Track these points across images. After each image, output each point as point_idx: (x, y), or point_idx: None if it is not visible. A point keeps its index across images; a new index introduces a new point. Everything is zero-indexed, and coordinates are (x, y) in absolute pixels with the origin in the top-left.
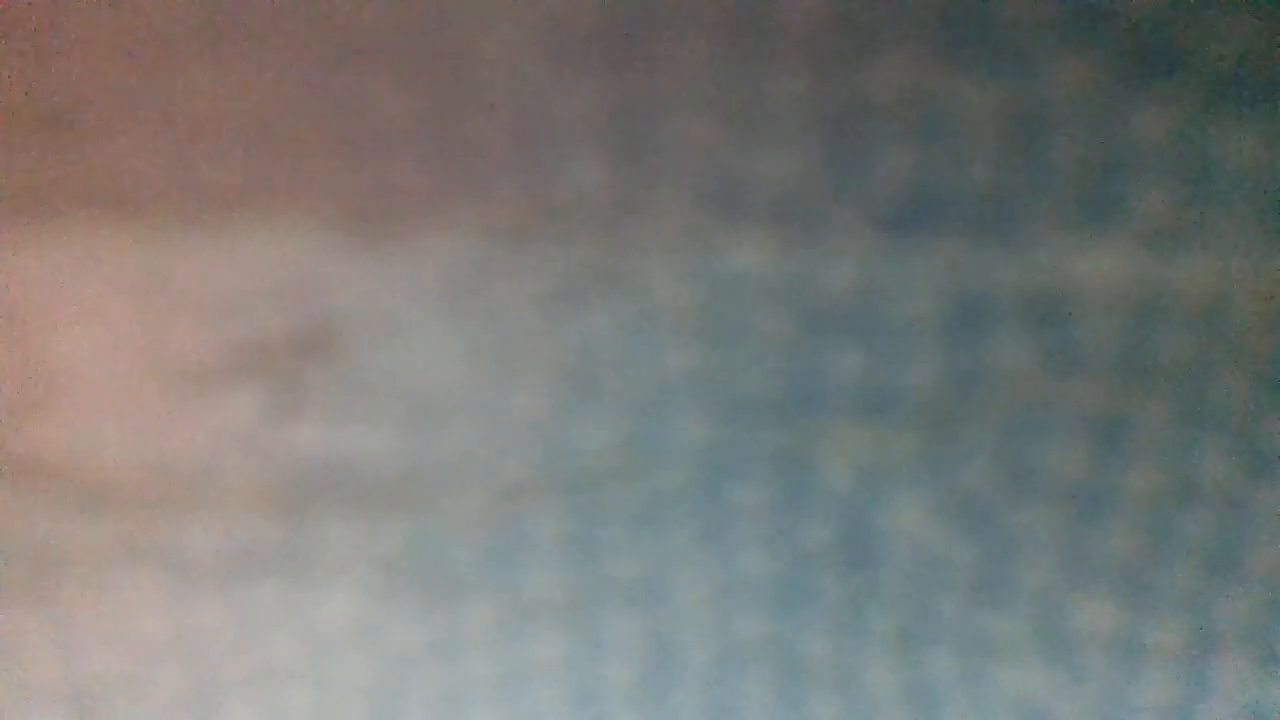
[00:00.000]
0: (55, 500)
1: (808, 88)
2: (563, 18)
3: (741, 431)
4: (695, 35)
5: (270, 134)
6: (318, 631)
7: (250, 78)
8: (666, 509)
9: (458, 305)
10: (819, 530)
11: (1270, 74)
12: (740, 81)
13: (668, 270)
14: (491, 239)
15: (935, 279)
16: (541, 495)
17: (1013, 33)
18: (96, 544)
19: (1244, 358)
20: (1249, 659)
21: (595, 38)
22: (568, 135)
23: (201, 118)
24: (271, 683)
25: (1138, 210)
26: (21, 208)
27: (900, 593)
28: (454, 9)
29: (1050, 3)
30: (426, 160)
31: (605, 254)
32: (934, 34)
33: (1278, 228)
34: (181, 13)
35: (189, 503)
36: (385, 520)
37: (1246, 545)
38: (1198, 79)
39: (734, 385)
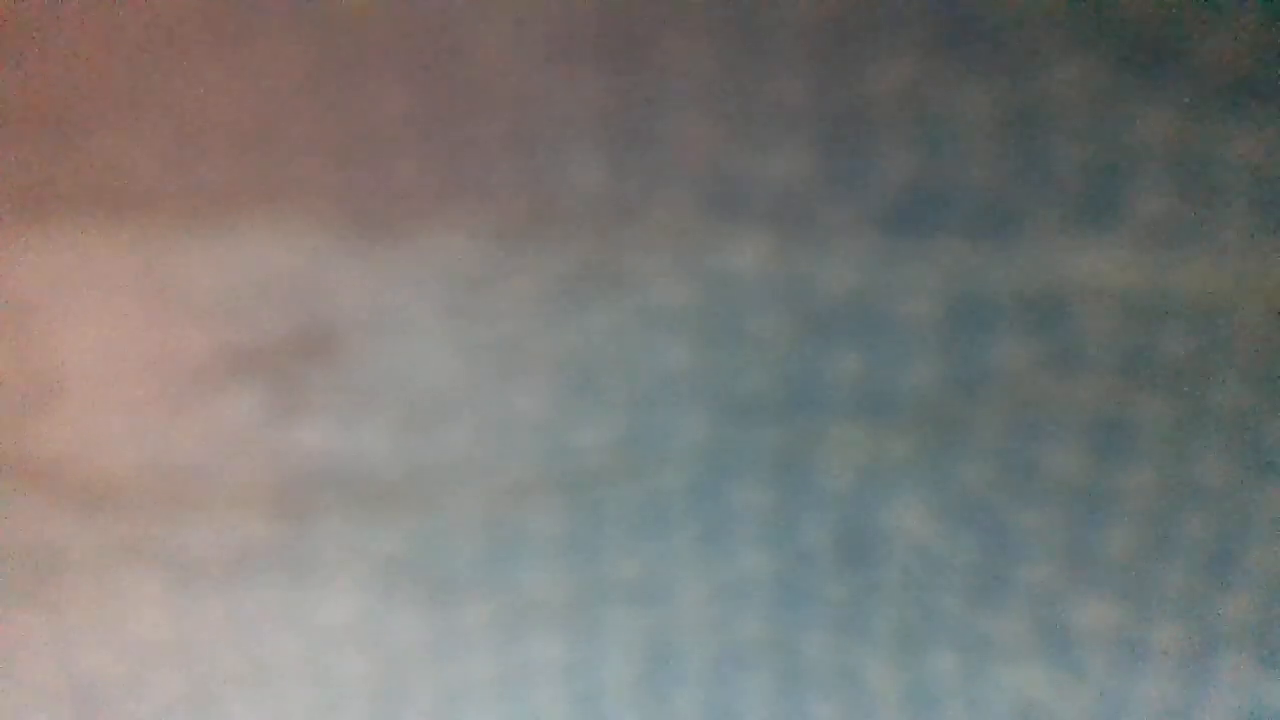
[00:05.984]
0: (55, 500)
1: (808, 88)
2: (563, 18)
3: (741, 431)
4: (695, 35)
5: (270, 134)
6: (318, 631)
7: (250, 77)
8: (666, 509)
9: (458, 305)
10: (819, 530)
11: (1270, 74)
12: (740, 81)
13: (668, 270)
14: (491, 239)
15: (935, 279)
16: (541, 495)
17: (1013, 33)
18: (96, 544)
19: (1244, 358)
20: (1249, 659)
21: (595, 38)
22: (568, 135)
23: (201, 118)
24: (271, 682)
25: (1138, 210)
26: (21, 208)
27: (900, 593)
28: (454, 9)
29: (1050, 3)
30: (426, 160)
31: (605, 254)
32: (934, 34)
33: (1278, 228)
34: (181, 13)
35: (189, 503)
36: (385, 520)
37: (1246, 545)
38: (1198, 79)
39: (734, 385)
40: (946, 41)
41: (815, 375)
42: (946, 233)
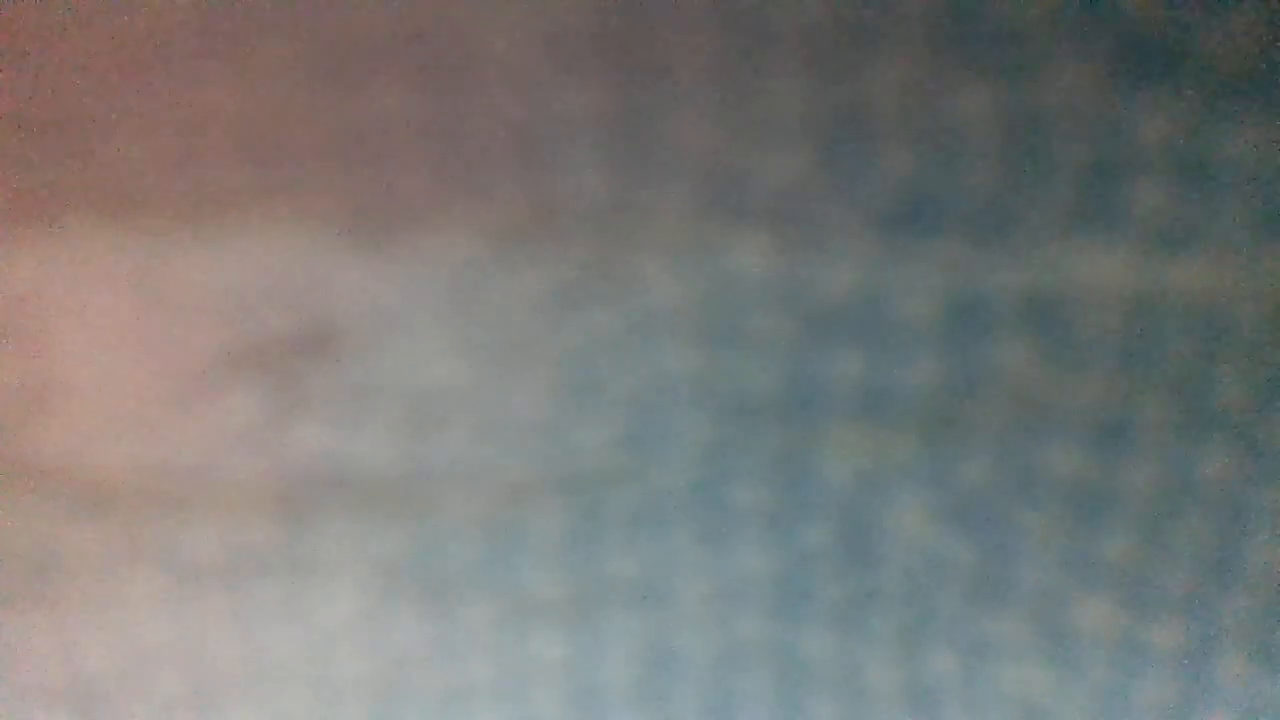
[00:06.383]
0: (55, 501)
1: (808, 88)
2: (563, 18)
3: (741, 431)
4: (695, 35)
5: (270, 134)
6: (318, 631)
7: (250, 78)
8: (666, 509)
9: (458, 305)
10: (819, 530)
11: (1270, 74)
12: (740, 81)
13: (668, 270)
14: (491, 239)
15: (935, 280)
16: (541, 495)
17: (1013, 33)
18: (96, 544)
19: (1244, 358)
20: (1249, 659)
21: (595, 38)
22: (568, 135)
23: (201, 118)
24: (271, 683)
25: (1138, 210)
26: (21, 208)
27: (900, 593)
28: (454, 9)
29: (1050, 3)
30: (426, 160)
31: (605, 254)
32: (934, 34)
33: (1278, 228)
34: (181, 13)
35: (189, 503)
36: (385, 520)
37: (1246, 545)
38: (1198, 79)
39: (734, 385)
40: (946, 41)
41: (816, 375)
42: (946, 233)
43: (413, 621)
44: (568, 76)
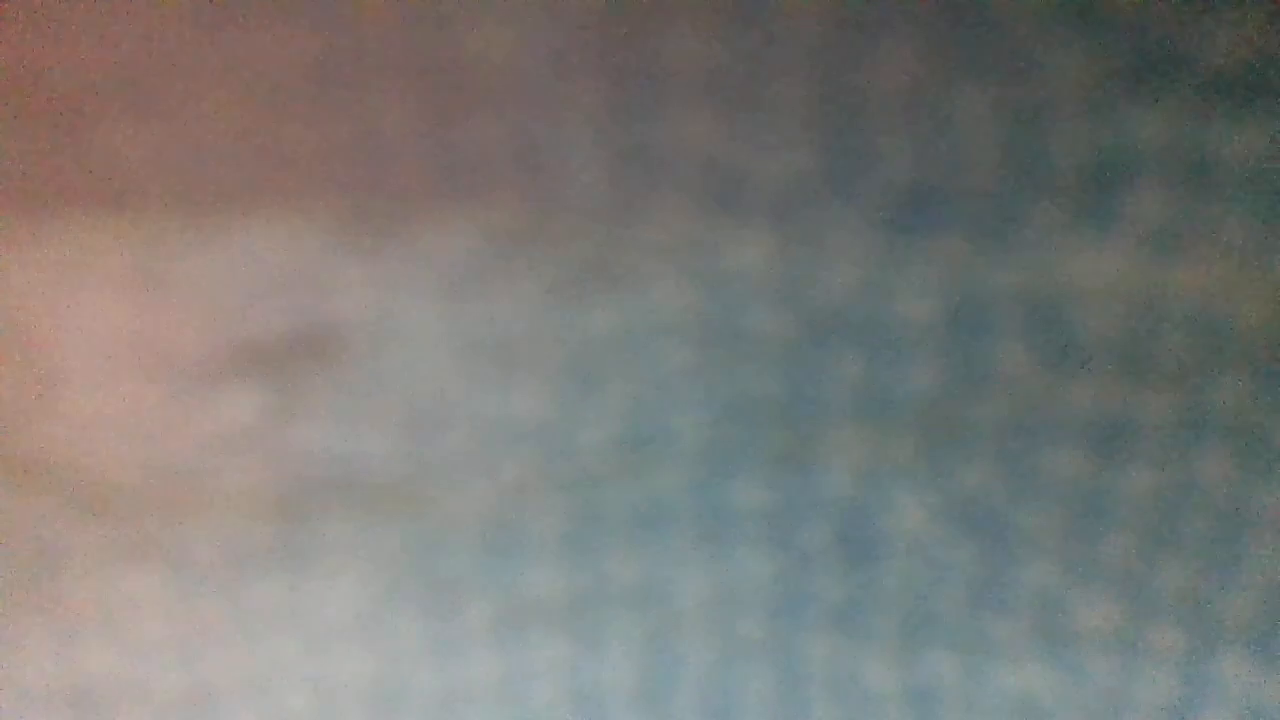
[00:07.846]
0: (55, 500)
1: (808, 87)
2: (563, 18)
3: (741, 432)
4: (695, 35)
5: (270, 134)
6: (318, 631)
7: (250, 77)
8: (666, 509)
9: (458, 305)
10: (819, 531)
11: (1270, 74)
12: (740, 81)
13: (668, 270)
14: (491, 239)
15: (935, 279)
16: (541, 495)
17: (1013, 33)
18: (96, 544)
19: (1244, 358)
20: (1249, 659)
21: (595, 38)
22: (568, 135)
23: (202, 117)
24: (271, 683)
25: (1138, 210)
26: (21, 207)
27: (900, 593)
28: (454, 10)
29: (1050, 3)
30: (426, 160)
31: (605, 254)
32: (934, 34)
33: (1278, 228)
34: (181, 13)
35: (189, 503)
36: (385, 520)
37: (1246, 545)
38: (1198, 79)
39: (734, 385)
40: (946, 41)
41: (816, 376)
42: (947, 233)
43: (413, 621)
44: (567, 78)
